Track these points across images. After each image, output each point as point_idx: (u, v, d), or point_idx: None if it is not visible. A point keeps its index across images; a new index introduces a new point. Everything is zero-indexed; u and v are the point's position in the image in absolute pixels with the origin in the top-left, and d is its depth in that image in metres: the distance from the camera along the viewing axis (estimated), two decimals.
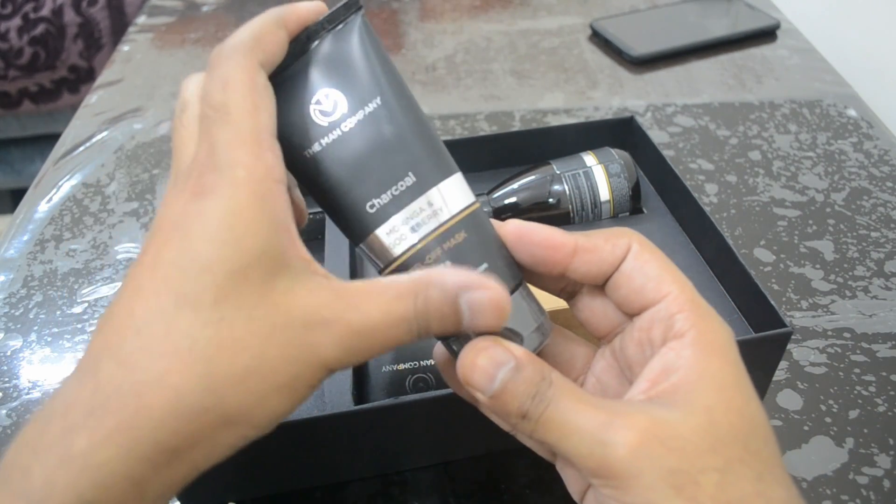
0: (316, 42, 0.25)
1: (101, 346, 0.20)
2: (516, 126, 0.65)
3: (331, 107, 0.25)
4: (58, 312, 0.48)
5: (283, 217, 0.21)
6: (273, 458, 0.35)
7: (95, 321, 0.47)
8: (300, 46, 0.25)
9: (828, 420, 0.39)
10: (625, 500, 0.20)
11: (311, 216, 0.46)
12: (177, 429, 0.19)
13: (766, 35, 0.77)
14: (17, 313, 0.48)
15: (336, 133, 0.25)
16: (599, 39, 0.78)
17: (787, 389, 0.41)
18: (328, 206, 0.25)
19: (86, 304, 0.48)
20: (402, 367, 0.38)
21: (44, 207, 0.57)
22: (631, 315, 0.25)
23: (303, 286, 0.21)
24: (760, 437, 0.22)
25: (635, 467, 0.20)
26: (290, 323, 0.20)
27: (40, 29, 1.06)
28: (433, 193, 0.25)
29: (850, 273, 0.48)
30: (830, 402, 0.40)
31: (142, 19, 0.85)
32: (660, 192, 0.53)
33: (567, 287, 0.27)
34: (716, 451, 0.20)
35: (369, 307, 0.21)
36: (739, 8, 0.81)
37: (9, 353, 0.45)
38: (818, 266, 0.49)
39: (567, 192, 0.48)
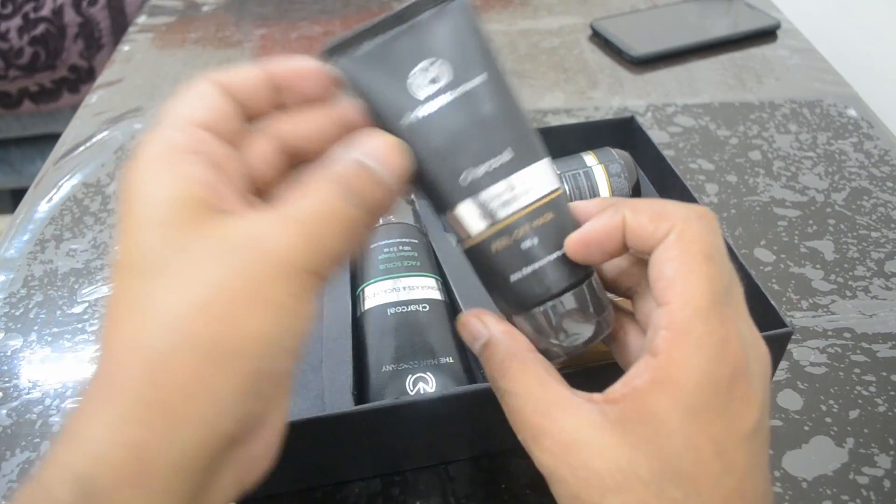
0: (422, 14, 0.25)
1: None
2: None
3: (435, 76, 0.25)
4: (58, 312, 0.48)
5: (200, 177, 0.21)
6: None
7: (96, 321, 0.47)
8: (401, 18, 0.25)
9: (828, 420, 0.39)
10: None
11: None
12: (154, 381, 0.19)
13: (766, 35, 0.77)
14: (17, 313, 0.48)
15: (438, 101, 0.25)
16: (599, 39, 0.78)
17: (787, 389, 0.41)
18: (419, 172, 0.26)
19: (86, 304, 0.48)
20: (402, 366, 0.38)
21: (44, 207, 0.57)
22: None
23: (238, 216, 0.21)
24: (682, 488, 0.21)
25: (554, 476, 0.23)
26: (228, 240, 0.20)
27: (40, 29, 1.06)
28: (529, 171, 0.26)
29: (851, 273, 0.48)
30: (830, 402, 0.40)
31: (142, 19, 0.85)
32: (660, 192, 0.53)
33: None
34: (620, 490, 0.21)
35: (302, 199, 0.22)
36: (739, 8, 0.81)
37: (9, 353, 0.45)
38: (818, 266, 0.49)
39: (567, 191, 0.48)
